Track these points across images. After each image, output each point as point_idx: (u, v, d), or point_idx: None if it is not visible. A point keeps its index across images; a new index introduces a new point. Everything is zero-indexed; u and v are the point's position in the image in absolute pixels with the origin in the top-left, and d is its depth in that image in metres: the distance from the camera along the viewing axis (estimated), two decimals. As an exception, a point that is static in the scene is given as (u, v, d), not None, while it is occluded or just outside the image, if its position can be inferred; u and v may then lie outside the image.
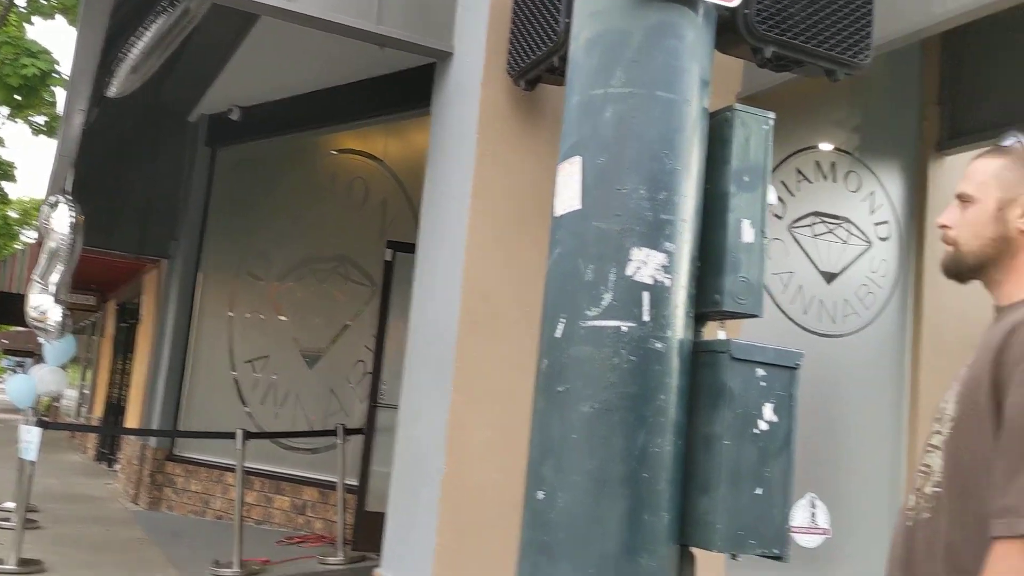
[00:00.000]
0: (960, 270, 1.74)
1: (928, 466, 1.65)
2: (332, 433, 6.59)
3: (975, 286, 1.78)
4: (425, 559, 3.23)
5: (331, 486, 6.73)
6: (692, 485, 2.18)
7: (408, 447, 3.63)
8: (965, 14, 3.14)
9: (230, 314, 8.44)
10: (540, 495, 2.14)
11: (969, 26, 3.50)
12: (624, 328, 2.12)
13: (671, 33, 2.25)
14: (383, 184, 7.46)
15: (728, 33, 2.53)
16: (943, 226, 1.77)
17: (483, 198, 3.38)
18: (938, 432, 1.65)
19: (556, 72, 3.09)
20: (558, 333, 2.20)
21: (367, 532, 6.29)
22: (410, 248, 6.54)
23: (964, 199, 1.73)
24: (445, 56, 3.73)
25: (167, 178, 8.82)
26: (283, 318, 8.02)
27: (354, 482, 6.56)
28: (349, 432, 6.57)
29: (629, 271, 2.14)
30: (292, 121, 7.98)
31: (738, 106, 2.35)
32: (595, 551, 2.03)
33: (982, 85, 4.83)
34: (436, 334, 3.49)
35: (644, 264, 2.16)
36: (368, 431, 6.54)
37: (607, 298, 2.15)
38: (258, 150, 8.46)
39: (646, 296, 2.14)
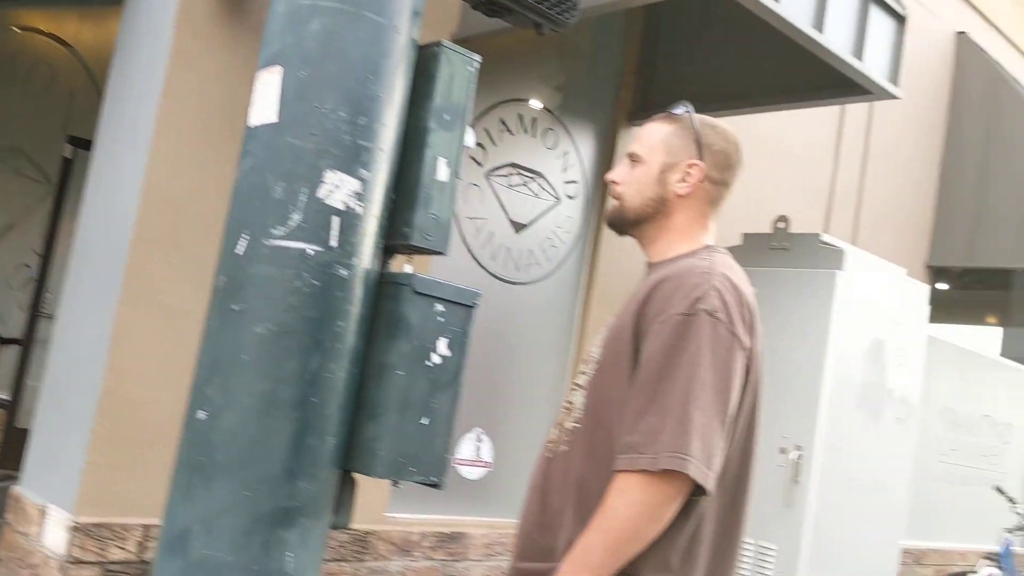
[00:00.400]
0: (621, 223, 1.88)
1: (571, 403, 1.78)
2: (-16, 341, 5.96)
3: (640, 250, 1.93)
4: (72, 477, 3.01)
5: (-23, 399, 6.09)
6: (361, 412, 2.20)
7: (63, 358, 3.35)
8: (663, -8, 3.40)
9: None
10: (201, 415, 2.06)
11: (665, 6, 3.79)
12: (310, 251, 2.08)
13: (385, -46, 2.20)
14: (72, 73, 6.74)
15: (446, -32, 2.53)
16: (612, 181, 1.90)
17: (175, 99, 3.14)
18: (584, 373, 1.79)
19: (267, -24, 2.92)
20: (239, 249, 2.11)
21: (15, 449, 5.73)
22: (94, 147, 6.02)
23: (633, 158, 1.87)
24: (147, -61, 3.42)
25: None
26: (-67, 209, 7.06)
27: (5, 396, 5.98)
28: (4, 342, 5.97)
29: (321, 193, 2.10)
30: (-39, -16, 6.97)
31: (446, 43, 2.36)
32: (254, 473, 2.00)
33: (675, 61, 5.24)
34: (107, 239, 3.23)
35: (337, 188, 2.12)
36: (27, 341, 5.97)
37: (295, 218, 2.09)
38: (-84, 14, 7.30)
39: (336, 221, 2.11)
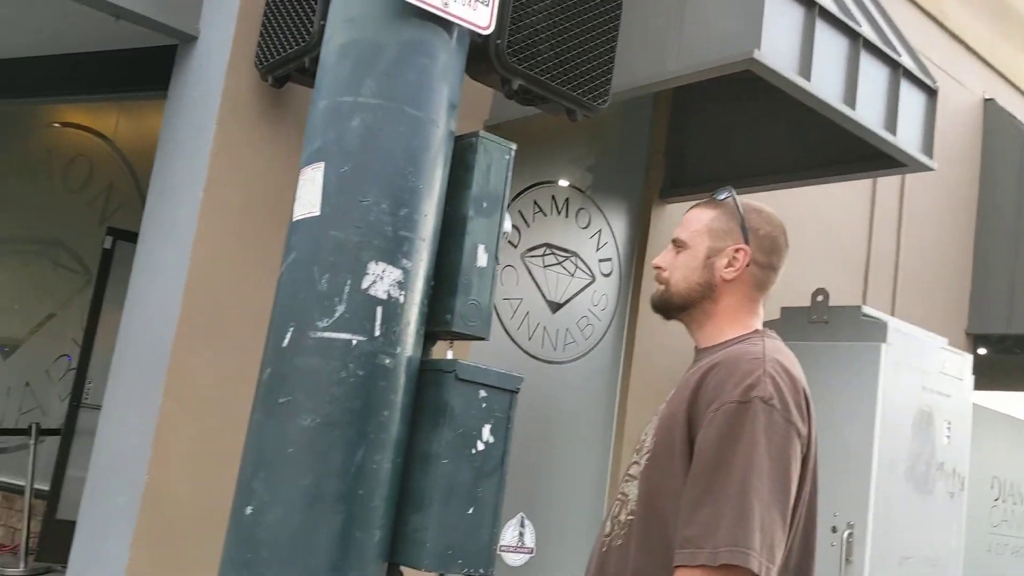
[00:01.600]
0: (667, 308, 1.87)
1: (625, 494, 1.75)
2: (25, 432, 5.99)
3: (680, 327, 1.93)
4: (116, 571, 2.99)
5: (18, 490, 6.10)
6: (406, 503, 2.18)
7: (108, 451, 3.36)
8: (690, 74, 3.44)
9: (-95, 292, 7.46)
10: (248, 510, 2.05)
11: (694, 86, 3.83)
12: (355, 341, 2.10)
13: (424, 51, 2.27)
14: (110, 166, 6.92)
15: (480, 60, 2.59)
16: (657, 267, 1.90)
17: (217, 194, 3.21)
18: (636, 463, 1.76)
19: (306, 73, 3.01)
20: (285, 342, 2.13)
21: (56, 541, 5.73)
22: (134, 237, 6.07)
23: (678, 244, 1.87)
24: (189, 39, 3.52)
25: None
26: (-24, 301, 7.20)
27: (45, 487, 5.98)
28: (44, 432, 6.00)
29: (364, 284, 2.12)
30: (7, 85, 7.21)
31: (483, 133, 2.41)
32: (301, 568, 1.98)
33: (704, 138, 5.29)
34: (151, 332, 3.26)
35: (380, 279, 2.15)
36: (67, 433, 6.00)
37: (340, 310, 2.11)
38: (-36, 113, 7.57)
39: (379, 311, 2.13)
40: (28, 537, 5.73)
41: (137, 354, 3.36)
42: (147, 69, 5.82)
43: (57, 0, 3.49)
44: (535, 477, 4.79)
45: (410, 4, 2.23)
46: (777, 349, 1.69)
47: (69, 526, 5.40)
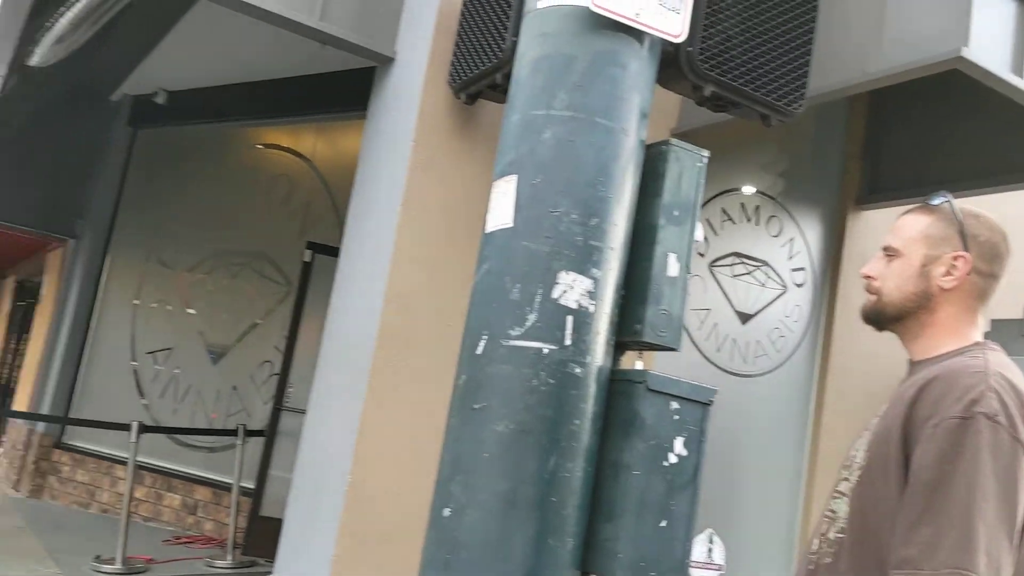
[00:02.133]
0: (880, 319, 1.78)
1: (833, 511, 1.68)
2: (232, 433, 6.41)
3: (882, 337, 1.83)
4: (322, 568, 3.15)
5: (226, 487, 6.55)
6: (598, 512, 2.18)
7: (313, 452, 3.55)
8: (893, 76, 3.27)
9: (135, 302, 8.17)
10: (447, 512, 2.11)
11: (893, 88, 3.64)
12: (545, 350, 2.12)
13: (615, 62, 2.27)
14: (308, 184, 7.34)
15: (671, 68, 2.57)
16: (867, 276, 1.81)
17: (413, 208, 3.34)
18: (846, 479, 1.68)
19: (498, 89, 3.08)
20: (479, 350, 2.18)
21: (260, 537, 6.12)
22: (331, 251, 6.45)
23: (890, 252, 1.78)
24: (387, 61, 3.69)
25: (80, 155, 8.50)
26: (191, 311, 7.80)
27: (250, 485, 6.39)
28: (250, 433, 6.41)
29: (555, 294, 2.14)
30: (219, 110, 7.79)
31: (674, 141, 2.38)
32: (498, 572, 2.01)
33: (901, 145, 5.01)
34: (353, 340, 3.43)
35: (570, 288, 2.16)
36: (270, 434, 6.39)
37: (531, 319, 2.14)
38: (182, 136, 8.23)
39: (569, 320, 2.15)
40: (235, 532, 6.12)
41: (340, 361, 3.53)
42: (345, 91, 6.16)
43: (268, 31, 3.73)
44: (724, 493, 4.68)
45: (602, 16, 2.24)
46: (1002, 363, 1.58)
47: (272, 523, 5.75)
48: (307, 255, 6.58)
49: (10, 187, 7.77)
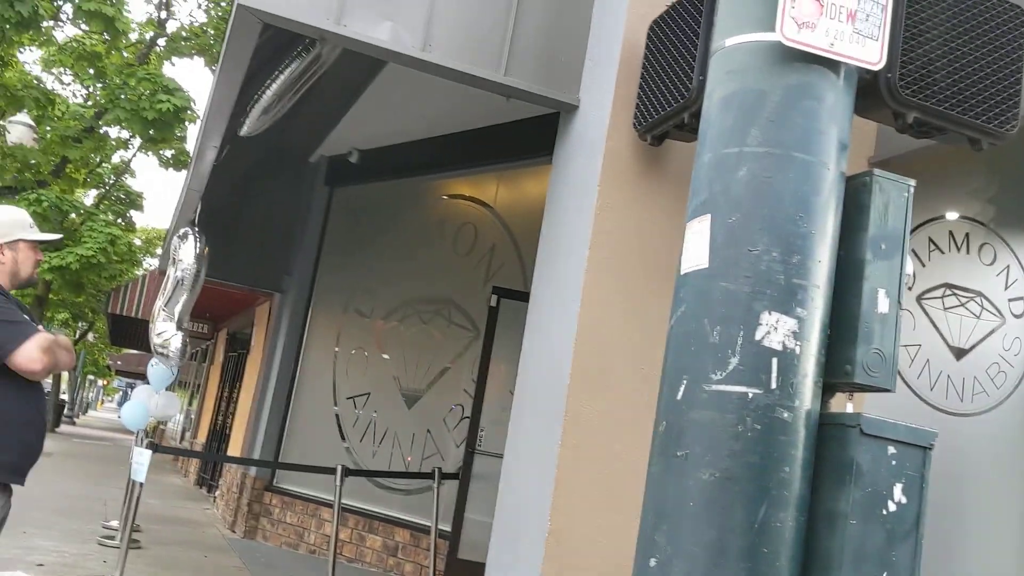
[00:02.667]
0: None
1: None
2: (429, 476, 6.59)
3: None
4: (523, 616, 3.17)
5: (424, 529, 6.72)
6: (812, 564, 2.10)
7: (511, 499, 3.58)
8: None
9: (336, 349, 8.60)
10: (652, 562, 2.07)
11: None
12: (750, 394, 2.06)
13: (810, 94, 2.21)
14: (492, 230, 7.53)
15: (869, 97, 2.47)
16: None
17: (602, 251, 3.35)
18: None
19: (685, 128, 3.06)
20: (679, 395, 2.15)
21: (457, 579, 6.23)
22: (515, 295, 6.57)
23: None
24: (570, 108, 3.75)
25: (285, 215, 9.11)
26: (386, 356, 8.12)
27: (447, 528, 6.53)
28: (445, 476, 6.55)
29: (758, 335, 2.08)
30: (408, 165, 8.16)
31: (877, 171, 2.29)
32: (710, 626, 1.95)
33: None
34: (546, 385, 3.46)
35: (774, 329, 2.10)
36: (464, 477, 6.51)
37: (733, 362, 2.09)
38: (373, 192, 8.66)
39: (775, 362, 2.08)
40: (434, 574, 6.26)
41: (533, 406, 3.57)
42: (527, 139, 6.30)
43: (453, 87, 3.87)
44: (942, 542, 4.35)
45: (794, 49, 2.19)
46: None
47: (469, 566, 5.85)
48: (493, 299, 6.71)
49: (223, 247, 8.39)
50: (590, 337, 3.30)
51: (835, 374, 2.22)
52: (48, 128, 11.48)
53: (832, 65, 2.23)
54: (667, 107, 3.05)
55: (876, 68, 2.25)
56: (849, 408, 2.25)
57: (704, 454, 2.07)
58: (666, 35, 3.20)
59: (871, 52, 2.24)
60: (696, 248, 2.25)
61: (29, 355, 2.86)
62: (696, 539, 2.03)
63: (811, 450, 2.13)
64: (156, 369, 8.22)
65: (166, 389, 8.72)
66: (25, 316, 3.04)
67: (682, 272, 2.28)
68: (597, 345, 3.31)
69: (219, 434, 13.23)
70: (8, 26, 7.31)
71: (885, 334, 2.24)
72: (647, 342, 3.29)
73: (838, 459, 2.13)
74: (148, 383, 8.71)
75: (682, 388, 2.15)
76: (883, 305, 2.25)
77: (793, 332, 2.10)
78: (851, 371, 2.19)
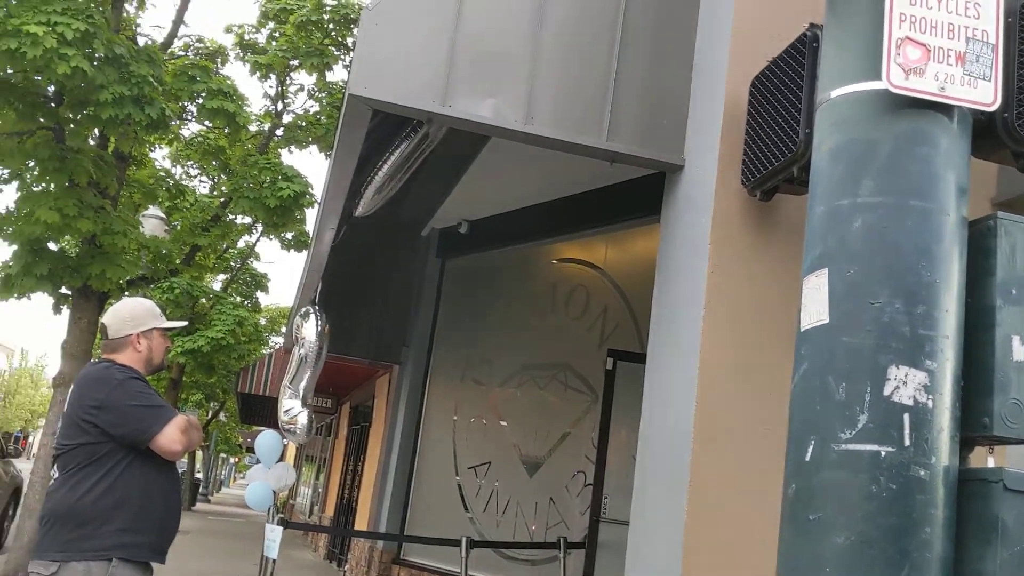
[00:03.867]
0: None
1: None
2: (554, 546, 6.52)
3: None
4: None
5: (552, 600, 6.63)
6: (963, 631, 1.98)
7: (640, 567, 3.51)
8: None
9: (455, 419, 8.68)
10: (791, 633, 2.00)
11: None
12: (883, 452, 1.99)
13: (923, 141, 2.16)
14: (603, 292, 7.51)
15: (986, 138, 2.40)
16: None
17: (717, 310, 3.31)
18: None
19: (795, 182, 3.03)
20: (807, 456, 2.09)
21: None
22: (631, 357, 6.51)
23: None
24: (675, 169, 3.76)
25: (400, 289, 9.35)
26: (504, 424, 8.13)
27: (578, 599, 6.42)
28: (571, 546, 6.47)
29: (886, 390, 2.02)
30: (516, 233, 8.27)
31: (1001, 214, 2.22)
32: None
33: None
34: (668, 451, 3.40)
35: (903, 383, 2.03)
36: (590, 547, 6.41)
37: (862, 419, 2.03)
38: (484, 261, 8.80)
39: (906, 418, 2.01)
40: (566, 646, 6.15)
41: (657, 472, 3.51)
42: (634, 199, 6.31)
43: (559, 154, 3.94)
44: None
45: (903, 96, 2.15)
46: None
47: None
48: (609, 362, 6.65)
49: (343, 322, 8.65)
50: (710, 398, 3.25)
51: (972, 427, 2.13)
52: (178, 219, 12.19)
53: (944, 109, 2.18)
54: (775, 162, 3.03)
55: (991, 109, 2.19)
56: (990, 463, 2.15)
57: (837, 517, 2.01)
58: (769, 90, 3.20)
59: (984, 93, 2.18)
60: (815, 303, 2.21)
61: (171, 437, 3.01)
62: (827, 609, 1.95)
63: (952, 508, 2.04)
64: (265, 445, 8.44)
65: (277, 461, 8.89)
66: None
67: (802, 328, 2.24)
68: (718, 406, 3.25)
69: (346, 507, 13.45)
70: (139, 128, 7.81)
71: (1022, 383, 2.14)
72: (768, 400, 3.22)
73: (982, 517, 2.03)
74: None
75: (810, 449, 2.10)
76: (1019, 353, 2.16)
77: (924, 385, 2.03)
78: (989, 424, 2.10)
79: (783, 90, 3.05)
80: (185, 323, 4.07)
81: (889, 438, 2.01)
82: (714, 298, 3.32)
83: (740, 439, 3.26)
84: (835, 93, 2.29)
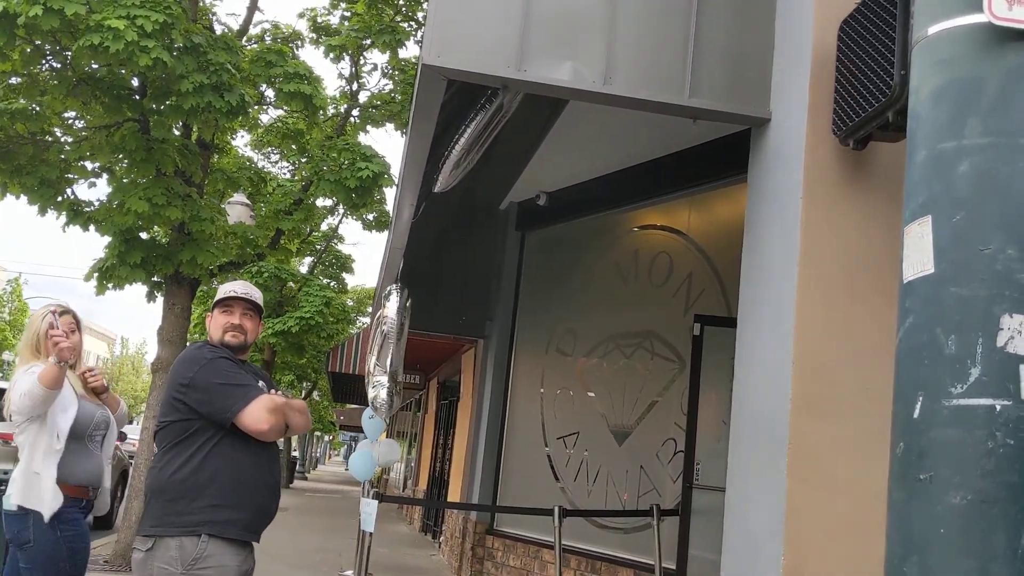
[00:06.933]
0: None
1: None
2: (647, 513, 6.47)
3: None
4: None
5: (646, 568, 6.59)
6: (1093, 592, 1.86)
7: (739, 536, 3.44)
8: None
9: (541, 391, 8.68)
10: (904, 596, 1.91)
11: None
12: (998, 407, 1.88)
13: (1033, 75, 2.01)
14: (687, 258, 7.38)
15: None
16: None
17: (811, 266, 3.19)
18: None
19: (890, 128, 2.88)
20: (916, 413, 1.99)
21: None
22: (718, 321, 6.39)
23: None
24: (762, 123, 3.62)
25: (481, 263, 9.37)
26: (591, 394, 8.10)
27: (671, 566, 6.37)
28: (664, 513, 6.41)
29: (1000, 341, 1.90)
30: (596, 202, 8.18)
31: None
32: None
33: None
34: (764, 413, 3.31)
35: (1019, 333, 1.91)
36: (684, 513, 6.34)
37: (974, 373, 1.92)
38: (564, 232, 8.74)
39: (1023, 369, 1.89)
40: (662, 613, 6.11)
41: (753, 436, 3.42)
42: (715, 160, 6.16)
43: (637, 117, 3.85)
44: None
45: (1008, 28, 2.00)
46: None
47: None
48: (696, 328, 6.55)
49: (427, 299, 8.72)
50: (808, 358, 3.14)
51: (1096, 377, 1.99)
52: (263, 205, 12.40)
53: (1062, 39, 2.03)
54: (868, 108, 2.89)
55: (1109, 35, 2.02)
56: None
57: (952, 476, 1.90)
58: (859, 33, 3.04)
59: (1101, 17, 2.02)
60: (917, 252, 2.10)
61: (255, 416, 3.03)
62: (954, 569, 1.86)
63: (1077, 464, 1.91)
64: (370, 421, 8.60)
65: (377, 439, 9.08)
66: (259, 381, 3.24)
67: (906, 280, 2.13)
68: (816, 366, 3.14)
69: (439, 480, 13.64)
70: (220, 116, 7.95)
71: None
72: (872, 359, 3.09)
73: (1113, 472, 1.89)
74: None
75: (918, 406, 1.99)
76: None
77: (1041, 336, 1.91)
78: (1115, 372, 1.96)
79: (874, 31, 2.90)
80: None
81: (1005, 391, 1.90)
82: (808, 253, 3.20)
83: (840, 397, 3.15)
84: (932, 30, 2.15)
